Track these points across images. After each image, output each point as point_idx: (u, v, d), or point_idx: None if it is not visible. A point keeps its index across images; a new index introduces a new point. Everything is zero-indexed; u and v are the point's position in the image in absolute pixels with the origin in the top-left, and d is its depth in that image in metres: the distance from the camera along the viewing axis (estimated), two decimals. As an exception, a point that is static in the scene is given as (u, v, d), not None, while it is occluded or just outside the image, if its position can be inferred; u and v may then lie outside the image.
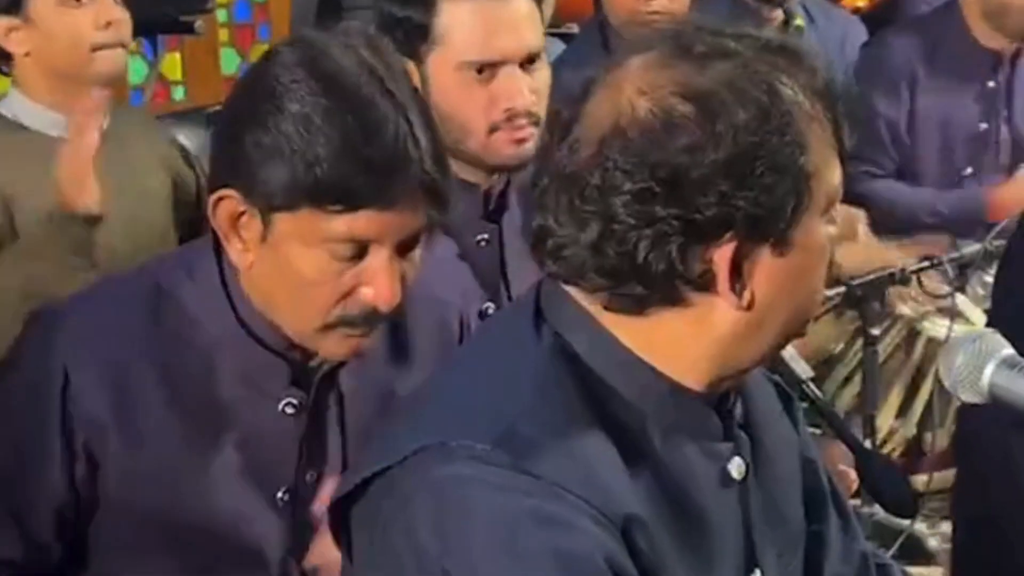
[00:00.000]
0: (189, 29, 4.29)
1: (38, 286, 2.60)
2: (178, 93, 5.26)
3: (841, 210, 1.45)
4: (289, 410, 1.77)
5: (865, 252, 2.79)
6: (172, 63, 5.17)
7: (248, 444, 1.77)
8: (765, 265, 1.37)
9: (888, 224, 3.19)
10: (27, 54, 2.79)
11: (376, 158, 1.63)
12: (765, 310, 1.39)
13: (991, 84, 3.67)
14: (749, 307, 1.38)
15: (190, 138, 3.62)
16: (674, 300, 1.38)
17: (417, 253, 1.73)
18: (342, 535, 1.45)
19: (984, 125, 3.67)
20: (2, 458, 1.77)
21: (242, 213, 1.69)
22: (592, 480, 1.35)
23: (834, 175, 1.39)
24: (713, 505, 1.44)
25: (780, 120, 1.35)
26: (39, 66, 2.80)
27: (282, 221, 1.66)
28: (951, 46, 3.66)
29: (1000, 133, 3.66)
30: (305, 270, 1.67)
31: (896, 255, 2.77)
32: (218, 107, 4.03)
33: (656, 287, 1.36)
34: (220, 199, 1.70)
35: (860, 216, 2.98)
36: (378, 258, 1.68)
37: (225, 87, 5.24)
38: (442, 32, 2.24)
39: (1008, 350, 1.44)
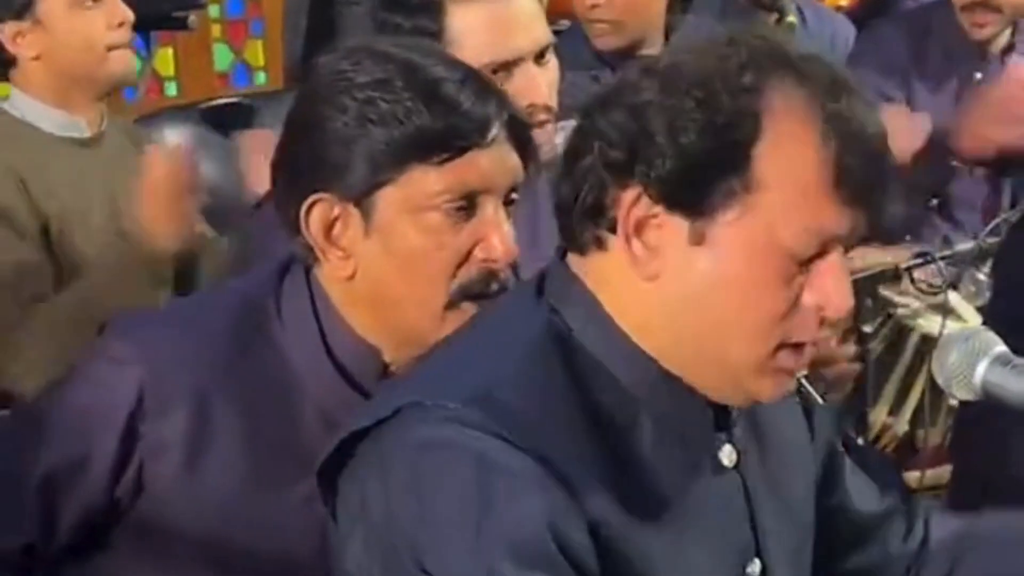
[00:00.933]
0: (182, 25, 4.30)
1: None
2: (171, 89, 5.26)
3: None
4: None
5: None
6: (165, 58, 5.17)
7: (314, 489, 1.72)
8: (679, 244, 1.37)
9: None
10: (37, 57, 2.78)
11: (466, 100, 1.65)
12: (678, 301, 1.39)
13: (978, 75, 3.67)
14: (653, 279, 1.38)
15: (182, 134, 3.63)
16: (599, 241, 1.41)
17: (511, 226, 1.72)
18: (329, 500, 1.47)
19: None
20: (54, 454, 1.74)
21: (336, 218, 1.67)
22: (567, 458, 1.35)
23: (800, 213, 1.35)
24: (701, 495, 1.44)
25: (742, 98, 1.35)
26: (49, 69, 2.79)
27: (385, 198, 1.65)
28: (940, 38, 3.67)
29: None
30: (419, 240, 1.65)
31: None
32: (210, 102, 4.05)
33: (587, 222, 1.41)
34: (311, 207, 1.67)
35: None
36: (488, 210, 1.67)
37: (218, 83, 5.24)
38: (454, 37, 2.22)
39: (1001, 347, 1.45)
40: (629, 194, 1.37)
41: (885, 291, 2.70)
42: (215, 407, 1.70)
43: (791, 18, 3.69)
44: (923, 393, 2.76)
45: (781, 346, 1.39)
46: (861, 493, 1.65)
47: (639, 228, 1.38)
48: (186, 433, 1.70)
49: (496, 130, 1.66)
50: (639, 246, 1.38)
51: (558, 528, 1.33)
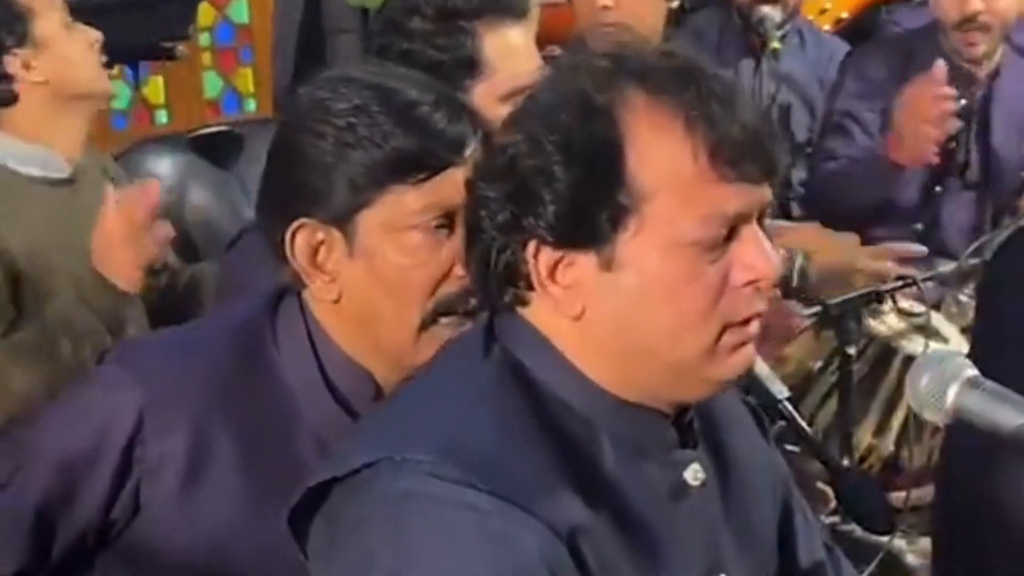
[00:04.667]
0: (171, 55, 4.32)
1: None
2: (161, 117, 5.26)
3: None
4: None
5: (835, 252, 2.83)
6: (155, 87, 5.17)
7: None
8: (593, 275, 1.39)
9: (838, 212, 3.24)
10: (45, 82, 2.79)
11: (440, 120, 1.68)
12: (612, 326, 1.41)
13: (963, 102, 3.69)
14: (581, 315, 1.40)
15: (172, 162, 3.64)
16: (521, 299, 1.43)
17: None
18: (300, 541, 1.48)
19: (954, 143, 3.69)
20: (50, 479, 1.75)
21: (320, 243, 1.70)
22: (538, 490, 1.37)
23: (692, 204, 1.37)
24: (667, 513, 1.45)
25: (594, 124, 1.37)
26: (55, 92, 2.80)
27: (366, 221, 1.68)
28: (926, 63, 3.69)
29: (971, 152, 3.68)
30: (401, 259, 1.68)
31: (866, 260, 2.81)
32: (201, 130, 4.06)
33: (506, 286, 1.43)
34: (295, 233, 1.70)
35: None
36: None
37: (208, 110, 5.25)
38: (488, 63, 2.25)
39: (972, 371, 1.46)
40: (529, 248, 1.40)
41: (868, 313, 2.73)
42: (214, 432, 1.72)
43: (775, 44, 3.70)
44: (908, 414, 2.78)
45: (725, 328, 1.41)
46: (807, 540, 1.66)
47: (551, 273, 1.40)
48: (185, 456, 1.71)
49: (472, 148, 1.69)
50: (557, 290, 1.41)
51: (551, 562, 1.34)
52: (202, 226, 3.53)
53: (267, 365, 1.75)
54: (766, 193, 1.41)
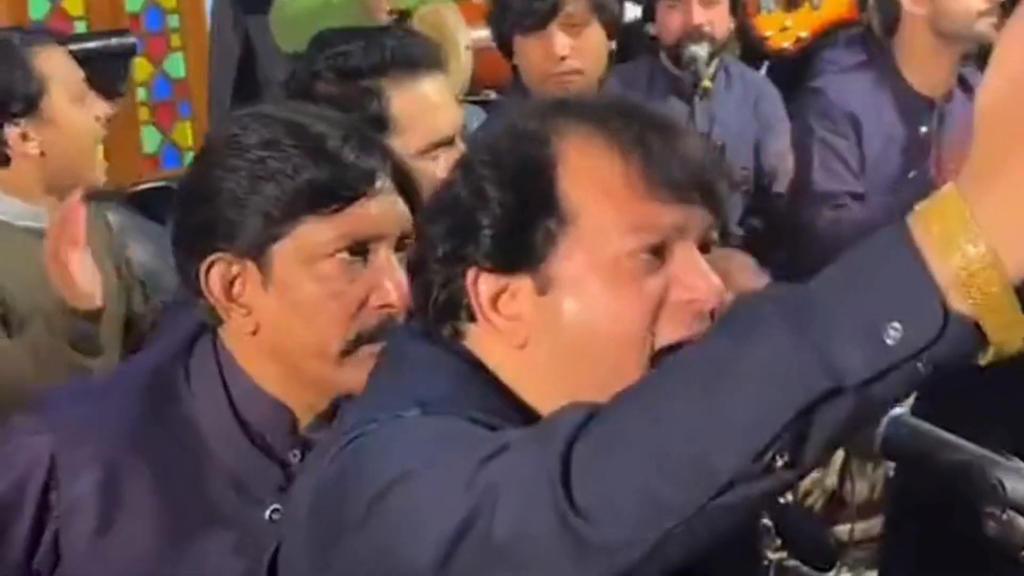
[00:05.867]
0: (104, 112, 4.30)
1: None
2: (99, 173, 5.25)
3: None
4: (276, 516, 1.75)
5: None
6: (93, 143, 5.16)
7: (233, 551, 1.76)
8: (532, 302, 1.40)
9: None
10: (42, 154, 2.82)
11: (350, 152, 1.71)
12: (559, 350, 1.40)
13: (923, 130, 3.73)
14: (525, 344, 1.40)
15: (111, 218, 3.63)
16: (460, 333, 1.44)
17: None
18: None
19: (914, 172, 3.72)
20: None
21: (235, 276, 1.72)
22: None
23: (621, 218, 1.37)
24: None
25: (526, 145, 1.39)
26: (49, 166, 2.83)
27: (281, 252, 1.71)
28: (887, 92, 3.73)
29: (930, 177, 3.72)
30: (316, 289, 1.70)
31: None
32: (139, 185, 4.06)
33: (445, 319, 1.44)
34: (209, 268, 1.72)
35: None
36: (381, 256, 1.72)
37: (146, 166, 5.24)
38: (398, 120, 2.26)
39: (898, 408, 1.47)
40: (469, 277, 1.41)
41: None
42: (124, 475, 1.74)
43: (705, 83, 3.74)
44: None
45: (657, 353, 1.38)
46: None
47: (494, 304, 1.41)
48: (95, 500, 1.73)
49: (382, 180, 1.73)
50: (500, 320, 1.41)
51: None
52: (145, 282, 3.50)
53: (179, 406, 1.76)
54: (706, 217, 1.40)
